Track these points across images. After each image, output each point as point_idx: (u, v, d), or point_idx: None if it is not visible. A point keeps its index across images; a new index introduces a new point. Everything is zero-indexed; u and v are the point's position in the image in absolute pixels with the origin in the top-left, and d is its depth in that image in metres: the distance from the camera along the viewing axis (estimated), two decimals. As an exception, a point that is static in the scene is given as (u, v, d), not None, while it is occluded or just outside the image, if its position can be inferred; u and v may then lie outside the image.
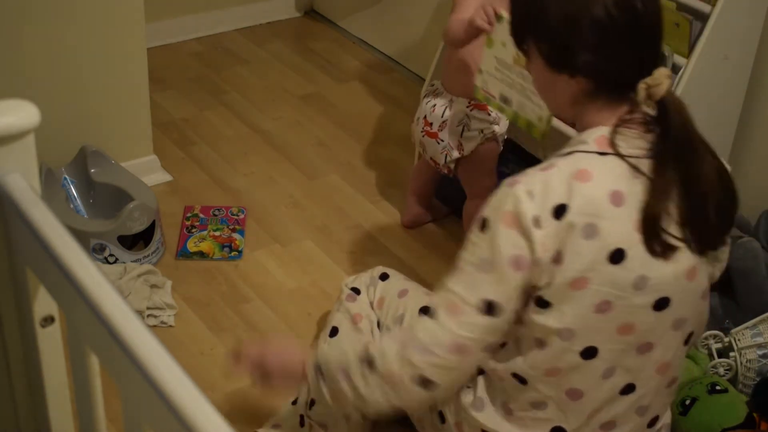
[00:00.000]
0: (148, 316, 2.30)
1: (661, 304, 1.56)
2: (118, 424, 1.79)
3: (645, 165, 1.52)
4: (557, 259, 1.50)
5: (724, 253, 1.69)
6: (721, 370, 2.16)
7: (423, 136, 2.48)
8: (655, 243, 1.52)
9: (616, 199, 1.49)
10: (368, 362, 1.59)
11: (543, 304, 1.54)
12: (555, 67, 1.55)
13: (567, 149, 1.56)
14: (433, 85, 2.54)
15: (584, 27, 1.50)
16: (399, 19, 3.55)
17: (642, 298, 1.54)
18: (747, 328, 2.17)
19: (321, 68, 3.55)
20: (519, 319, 1.62)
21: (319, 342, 2.05)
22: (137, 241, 2.50)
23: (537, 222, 1.49)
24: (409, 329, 1.60)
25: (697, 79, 2.31)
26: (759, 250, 2.26)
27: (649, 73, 1.50)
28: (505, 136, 2.53)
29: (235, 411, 2.12)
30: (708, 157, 1.55)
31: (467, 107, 2.42)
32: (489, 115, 2.42)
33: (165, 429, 0.91)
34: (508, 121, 2.44)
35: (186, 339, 2.31)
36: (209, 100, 3.29)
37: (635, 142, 1.52)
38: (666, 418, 1.79)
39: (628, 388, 1.64)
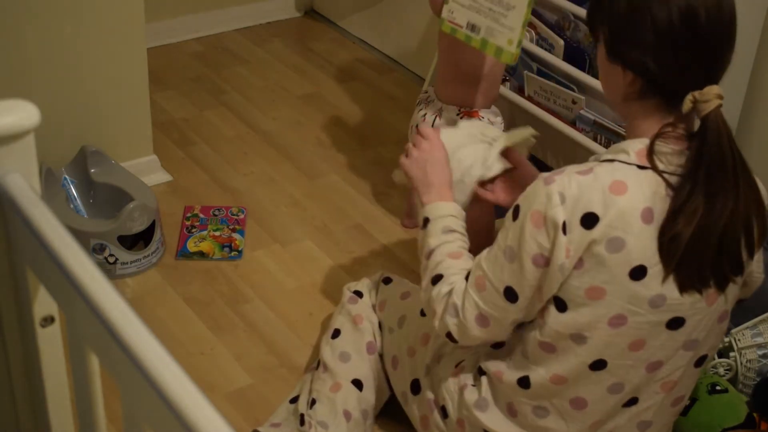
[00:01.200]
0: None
1: (676, 323, 1.55)
2: (118, 424, 1.78)
3: (678, 183, 1.49)
4: (578, 264, 1.50)
5: (751, 275, 1.65)
6: (721, 370, 2.16)
7: None
8: (670, 265, 1.50)
9: (647, 216, 1.48)
10: (433, 280, 1.68)
11: (561, 306, 1.55)
12: (611, 55, 1.55)
13: (608, 155, 1.54)
14: (426, 93, 2.53)
15: (643, 24, 1.49)
16: (399, 19, 3.55)
17: (657, 316, 1.53)
18: (747, 328, 2.17)
19: (321, 68, 3.55)
20: (531, 323, 1.63)
21: (321, 344, 2.07)
22: (137, 241, 2.50)
23: (564, 227, 1.48)
24: (452, 292, 1.64)
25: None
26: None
27: (701, 88, 1.48)
28: None
29: (234, 411, 2.12)
30: (735, 193, 1.49)
31: (457, 115, 2.41)
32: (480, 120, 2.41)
33: (165, 429, 0.91)
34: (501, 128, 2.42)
35: (186, 339, 2.31)
36: (209, 100, 3.29)
37: (673, 159, 1.50)
38: None
39: (631, 401, 1.64)
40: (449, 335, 1.65)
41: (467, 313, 1.61)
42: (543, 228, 1.50)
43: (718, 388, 2.04)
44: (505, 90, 2.64)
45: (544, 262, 1.51)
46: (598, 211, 1.47)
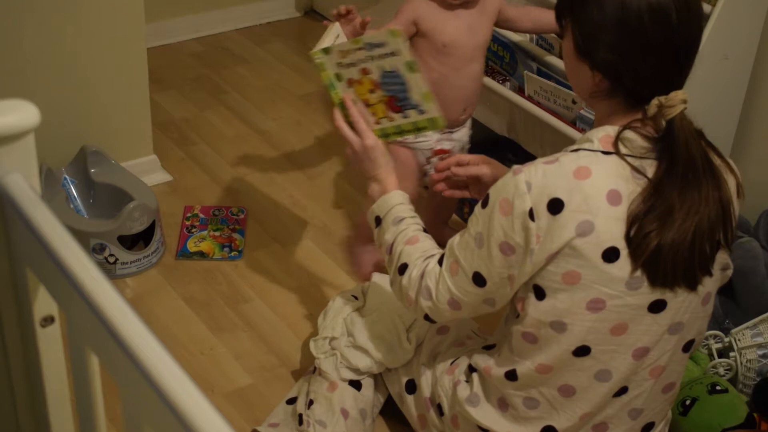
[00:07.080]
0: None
1: (658, 306, 1.56)
2: (118, 424, 1.78)
3: (648, 166, 1.52)
4: (550, 251, 1.52)
5: (725, 260, 1.66)
6: (721, 370, 2.16)
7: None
8: (639, 248, 1.51)
9: (613, 198, 1.50)
10: (399, 270, 1.72)
11: (539, 294, 1.57)
12: (579, 53, 1.55)
13: (574, 146, 1.57)
14: None
15: (613, 24, 1.49)
16: (399, 19, 3.54)
17: (636, 299, 1.54)
18: (747, 328, 2.17)
19: (321, 68, 3.54)
20: (512, 315, 1.65)
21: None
22: (137, 241, 2.50)
23: (531, 214, 1.51)
24: (424, 275, 1.68)
25: (697, 79, 2.30)
26: (758, 250, 2.26)
27: (667, 92, 1.50)
28: (428, 153, 2.41)
29: (234, 411, 2.12)
30: (706, 195, 1.51)
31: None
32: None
33: (165, 429, 0.91)
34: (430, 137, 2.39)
35: (186, 339, 2.31)
36: (209, 100, 3.29)
37: (640, 143, 1.52)
38: (663, 428, 1.78)
39: (621, 391, 1.64)
40: (426, 317, 1.71)
41: (440, 296, 1.65)
42: (510, 216, 1.53)
43: (718, 388, 2.04)
44: (505, 90, 2.63)
45: (510, 250, 1.54)
46: (563, 196, 1.50)
